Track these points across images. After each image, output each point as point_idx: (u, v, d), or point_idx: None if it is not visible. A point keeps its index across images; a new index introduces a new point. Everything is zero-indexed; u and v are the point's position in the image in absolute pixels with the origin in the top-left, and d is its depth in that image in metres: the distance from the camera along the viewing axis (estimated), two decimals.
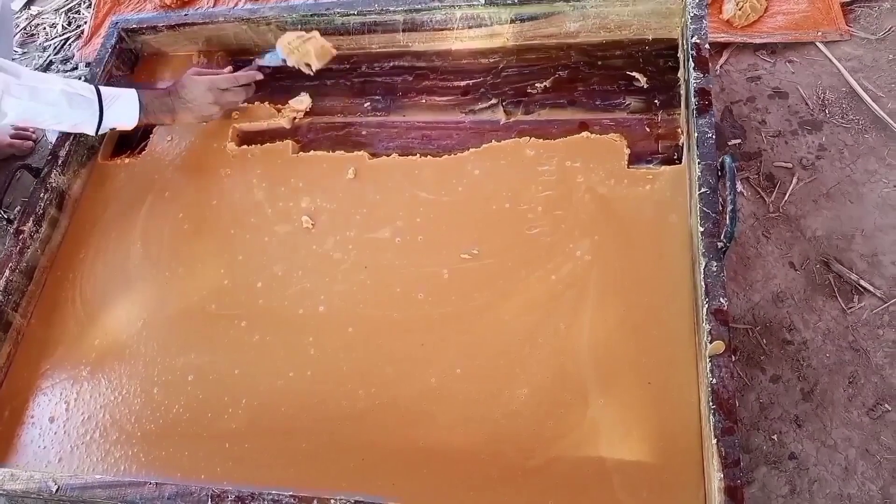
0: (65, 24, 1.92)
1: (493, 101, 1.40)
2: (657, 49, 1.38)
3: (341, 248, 1.26)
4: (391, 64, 1.53)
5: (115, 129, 1.34)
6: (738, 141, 1.44)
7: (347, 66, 1.55)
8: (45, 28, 1.93)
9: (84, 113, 1.26)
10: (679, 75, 1.32)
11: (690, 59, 1.21)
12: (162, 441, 1.14)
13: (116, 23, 1.63)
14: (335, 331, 1.18)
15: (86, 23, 1.86)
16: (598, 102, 1.35)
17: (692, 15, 1.26)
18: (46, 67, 1.84)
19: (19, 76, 1.20)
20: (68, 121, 1.26)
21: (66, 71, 1.82)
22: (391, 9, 1.47)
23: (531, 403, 1.04)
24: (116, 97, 1.30)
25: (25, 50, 1.89)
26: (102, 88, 1.30)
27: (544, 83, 1.40)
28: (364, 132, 1.44)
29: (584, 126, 1.31)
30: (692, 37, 1.24)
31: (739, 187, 1.39)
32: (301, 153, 1.42)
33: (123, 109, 1.31)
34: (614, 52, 1.40)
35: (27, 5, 1.98)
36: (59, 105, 1.22)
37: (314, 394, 1.13)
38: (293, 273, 1.26)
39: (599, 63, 1.40)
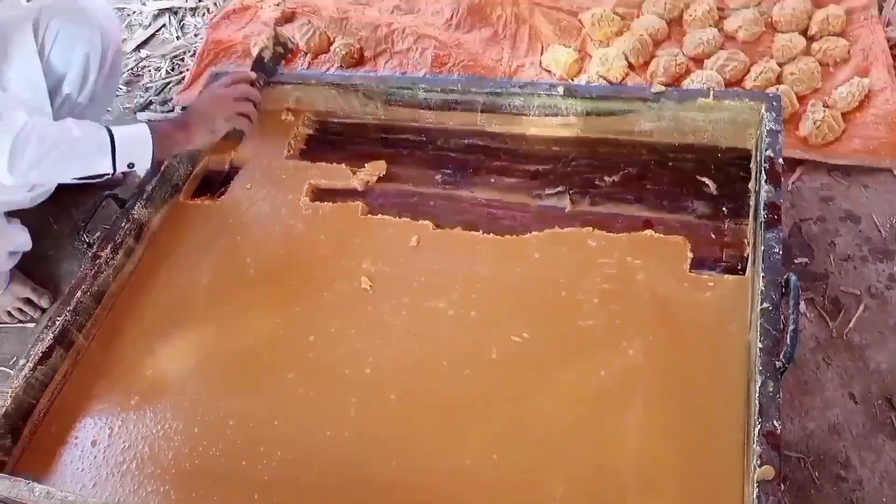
0: (169, 69, 2.07)
1: (561, 188, 1.43)
2: (730, 157, 1.39)
3: (396, 314, 1.28)
4: (466, 141, 1.58)
5: (132, 165, 1.36)
6: (805, 260, 1.42)
7: (424, 139, 1.61)
8: (150, 70, 2.08)
9: (95, 150, 1.30)
10: (750, 186, 1.32)
11: (763, 172, 1.22)
12: (194, 481, 1.15)
13: (216, 74, 1.74)
14: (378, 395, 1.19)
15: (188, 70, 2.00)
16: (664, 202, 1.36)
17: (768, 129, 1.27)
18: (146, 107, 1.98)
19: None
20: (78, 161, 1.31)
21: (164, 112, 1.95)
22: (473, 90, 1.54)
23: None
24: (126, 129, 1.35)
25: (129, 89, 2.04)
26: (115, 127, 1.35)
27: (613, 177, 1.42)
28: (432, 203, 1.48)
29: (648, 224, 1.32)
30: (766, 150, 1.24)
31: (803, 307, 1.36)
32: (369, 215, 1.46)
33: (136, 138, 1.35)
34: (686, 156, 1.42)
35: (138, 48, 2.14)
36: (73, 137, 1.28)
37: (348, 456, 1.13)
38: (346, 331, 1.28)
39: (670, 164, 1.42)
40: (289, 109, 1.72)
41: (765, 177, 1.20)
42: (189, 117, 1.42)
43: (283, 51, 1.58)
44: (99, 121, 1.85)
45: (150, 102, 1.99)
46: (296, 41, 1.60)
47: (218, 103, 1.41)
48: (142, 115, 1.96)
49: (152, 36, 2.19)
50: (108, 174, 1.33)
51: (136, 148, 1.34)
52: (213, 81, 1.62)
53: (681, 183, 1.38)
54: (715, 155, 1.41)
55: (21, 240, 1.47)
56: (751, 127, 1.35)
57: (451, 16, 1.83)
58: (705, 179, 1.36)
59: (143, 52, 2.14)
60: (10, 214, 1.52)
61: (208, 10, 2.21)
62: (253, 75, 1.52)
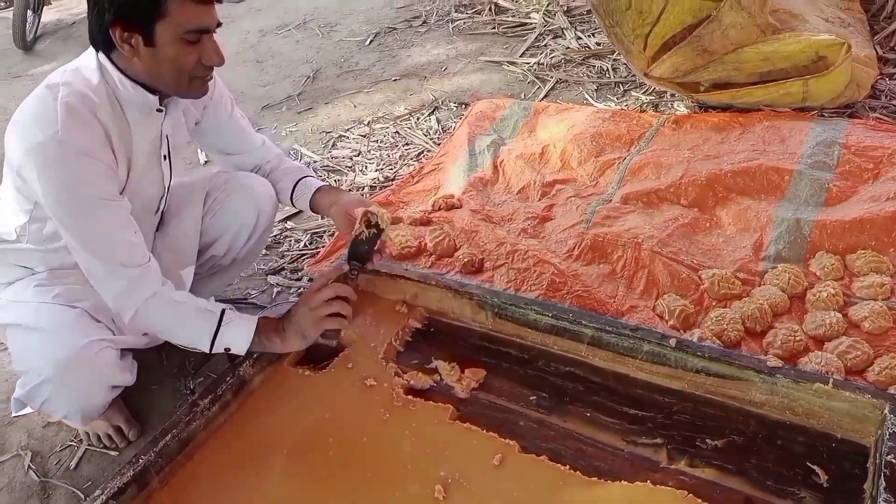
0: (307, 243, 2.27)
1: (659, 440, 1.38)
2: (845, 449, 1.31)
3: None
4: (567, 368, 1.58)
5: (229, 349, 1.46)
6: None
7: (526, 357, 1.63)
8: (290, 240, 2.29)
9: (203, 326, 1.42)
10: (865, 487, 1.22)
11: (882, 478, 1.13)
12: None
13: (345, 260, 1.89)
14: None
15: (323, 247, 2.18)
16: (769, 482, 1.27)
17: (891, 432, 1.20)
18: (278, 271, 2.15)
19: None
20: (186, 331, 1.44)
21: (292, 279, 2.11)
22: (583, 322, 1.57)
23: None
24: (236, 318, 1.46)
25: (267, 253, 2.24)
26: (227, 310, 1.46)
27: (716, 441, 1.36)
28: (522, 423, 1.47)
29: (748, 502, 1.23)
30: (888, 454, 1.16)
31: None
32: (458, 422, 1.46)
33: (239, 331, 1.45)
34: (797, 437, 1.35)
35: (285, 219, 2.38)
36: (186, 314, 1.42)
37: None
38: None
39: (779, 442, 1.35)
40: (404, 302, 1.81)
41: (884, 484, 1.12)
42: (285, 324, 1.51)
43: (377, 231, 1.59)
44: (234, 279, 2.04)
45: (283, 268, 2.17)
46: (387, 220, 1.59)
47: (308, 312, 1.48)
48: (272, 279, 2.13)
49: (300, 211, 2.44)
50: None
51: (236, 339, 1.46)
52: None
53: (788, 464, 1.30)
54: (829, 443, 1.33)
55: (127, 377, 1.56)
56: (871, 423, 1.28)
57: (574, 247, 1.93)
58: (816, 468, 1.28)
59: (290, 224, 2.37)
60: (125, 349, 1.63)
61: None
62: (345, 268, 1.60)
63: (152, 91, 1.40)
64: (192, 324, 1.43)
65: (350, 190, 2.50)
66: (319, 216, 2.23)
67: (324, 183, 1.80)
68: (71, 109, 1.30)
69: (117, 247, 1.36)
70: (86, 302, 1.48)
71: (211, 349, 1.45)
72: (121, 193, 1.42)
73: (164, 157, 1.54)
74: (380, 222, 1.58)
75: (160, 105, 1.43)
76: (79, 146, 1.30)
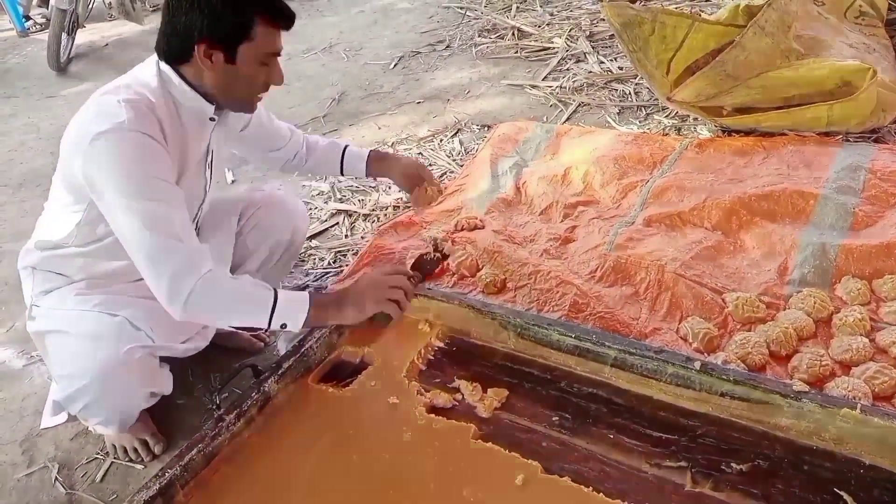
0: (331, 261, 2.30)
1: (683, 463, 1.37)
2: (874, 476, 1.29)
3: None
4: (590, 390, 1.58)
5: (285, 325, 1.51)
6: None
7: (549, 377, 1.63)
8: (315, 259, 2.33)
9: (257, 308, 1.47)
10: None
11: None
12: None
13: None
14: None
15: (347, 266, 2.21)
16: None
17: None
18: (302, 288, 2.18)
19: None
20: (241, 312, 1.48)
21: None
22: (607, 343, 1.57)
23: None
24: (290, 294, 1.52)
25: (292, 270, 2.26)
26: (280, 291, 1.51)
27: (741, 466, 1.34)
28: (544, 443, 1.46)
29: None
30: None
31: None
32: (480, 441, 1.46)
33: (294, 305, 1.50)
34: (824, 463, 1.33)
35: (310, 238, 2.42)
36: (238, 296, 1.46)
37: None
38: None
39: (805, 468, 1.33)
40: (427, 321, 1.82)
41: None
42: (344, 295, 1.57)
43: (441, 257, 1.79)
44: None
45: (307, 286, 2.19)
46: (448, 252, 1.84)
47: (372, 286, 1.57)
48: None
49: (325, 230, 2.47)
50: (262, 329, 1.48)
51: (293, 311, 1.51)
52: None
53: (815, 490, 1.29)
54: (857, 469, 1.31)
55: (166, 384, 1.60)
56: None
57: (596, 269, 1.93)
58: (844, 495, 1.26)
59: (314, 242, 2.40)
60: (162, 359, 1.66)
61: (378, 218, 2.48)
62: (410, 272, 1.67)
63: (208, 100, 1.48)
64: (250, 299, 1.47)
65: (373, 210, 2.54)
66: (344, 236, 2.28)
67: (368, 150, 2.04)
68: (133, 105, 1.38)
69: (177, 223, 1.41)
70: (126, 311, 1.51)
71: (269, 325, 1.49)
72: None
73: (208, 165, 1.60)
74: (446, 250, 1.83)
75: (213, 114, 1.50)
76: (144, 132, 1.37)
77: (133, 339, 1.48)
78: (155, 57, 1.47)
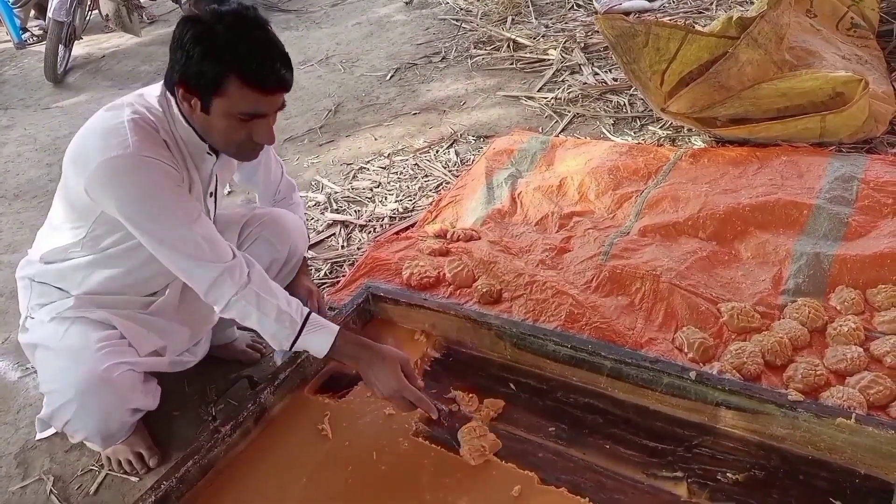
0: (328, 272, 2.30)
1: (679, 473, 1.37)
2: (869, 486, 1.30)
3: None
4: (586, 400, 1.58)
5: (306, 351, 1.48)
6: None
7: (545, 387, 1.63)
8: (312, 270, 2.32)
9: (285, 329, 1.43)
10: None
11: None
12: None
13: (369, 287, 1.92)
14: None
15: (343, 276, 2.21)
16: None
17: None
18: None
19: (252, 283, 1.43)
20: (269, 329, 1.44)
21: None
22: (602, 353, 1.58)
23: None
24: (318, 327, 1.46)
25: None
26: (312, 315, 1.47)
27: (737, 476, 1.35)
28: (540, 454, 1.46)
29: None
30: None
31: None
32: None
33: (318, 340, 1.45)
34: (819, 472, 1.34)
35: (307, 249, 2.42)
36: (270, 315, 1.42)
37: None
38: None
39: (801, 477, 1.33)
40: (423, 331, 1.83)
41: None
42: (371, 354, 1.47)
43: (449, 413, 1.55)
44: None
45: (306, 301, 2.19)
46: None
47: (396, 378, 1.44)
48: None
49: (322, 241, 2.47)
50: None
51: (315, 344, 1.46)
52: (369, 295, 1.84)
53: (811, 500, 1.29)
54: (852, 479, 1.31)
55: (148, 400, 1.58)
56: (894, 460, 1.27)
57: (592, 279, 1.94)
58: None
59: (311, 253, 2.40)
60: (152, 373, 1.65)
61: (375, 228, 2.49)
62: (435, 415, 1.47)
63: (202, 138, 1.45)
64: (274, 326, 1.44)
65: (369, 221, 2.54)
66: (340, 247, 2.28)
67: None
68: (139, 126, 1.36)
69: (202, 243, 1.39)
70: (114, 326, 1.51)
71: (291, 349, 1.47)
72: None
73: (211, 194, 1.59)
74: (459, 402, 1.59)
75: (209, 151, 1.48)
76: (151, 156, 1.35)
77: (116, 356, 1.47)
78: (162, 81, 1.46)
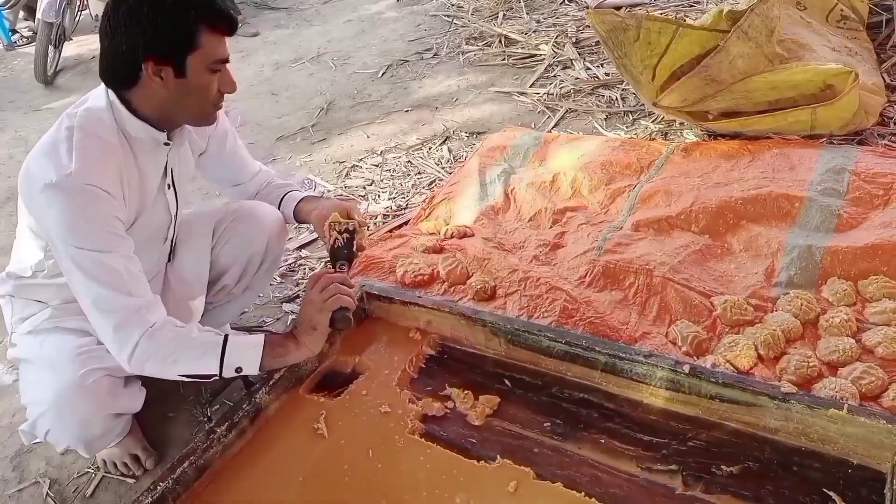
0: None
1: (674, 467, 1.38)
2: (862, 476, 1.31)
3: None
4: (581, 395, 1.59)
5: (240, 370, 1.42)
6: None
7: (539, 383, 1.64)
8: (305, 269, 2.33)
9: (208, 349, 1.40)
10: None
11: None
12: None
13: (363, 285, 1.92)
14: None
15: None
16: None
17: None
18: (293, 299, 2.18)
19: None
20: (191, 354, 1.40)
21: None
22: (596, 348, 1.58)
23: None
24: (241, 338, 1.45)
25: (282, 281, 2.27)
26: (233, 334, 1.46)
27: (731, 468, 1.36)
28: (536, 450, 1.47)
29: None
30: None
31: None
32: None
33: (246, 349, 1.43)
34: (812, 463, 1.35)
35: (300, 248, 2.42)
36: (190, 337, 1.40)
37: None
38: None
39: (794, 468, 1.34)
40: (418, 329, 1.83)
41: None
42: (296, 328, 1.53)
43: (349, 234, 1.64)
44: (248, 306, 2.07)
45: (298, 296, 2.19)
46: (354, 227, 1.65)
47: (311, 304, 1.50)
48: (287, 306, 2.15)
49: (315, 240, 2.47)
50: (215, 376, 1.42)
51: (246, 354, 1.43)
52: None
53: (805, 491, 1.30)
54: (845, 469, 1.32)
55: (130, 403, 1.57)
56: (887, 450, 1.28)
57: (585, 274, 1.94)
58: (833, 494, 1.27)
59: (304, 252, 2.41)
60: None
61: (368, 227, 2.49)
62: (333, 269, 1.60)
63: (159, 127, 1.45)
64: (196, 345, 1.41)
65: (364, 222, 2.54)
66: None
67: (306, 193, 1.86)
68: (83, 150, 1.34)
69: (124, 276, 1.36)
70: (91, 330, 1.49)
71: (221, 371, 1.41)
72: (131, 225, 1.46)
73: (169, 185, 1.58)
74: (349, 226, 1.65)
75: (167, 139, 1.48)
76: (90, 184, 1.33)
77: (92, 362, 1.45)
78: (104, 86, 1.43)
